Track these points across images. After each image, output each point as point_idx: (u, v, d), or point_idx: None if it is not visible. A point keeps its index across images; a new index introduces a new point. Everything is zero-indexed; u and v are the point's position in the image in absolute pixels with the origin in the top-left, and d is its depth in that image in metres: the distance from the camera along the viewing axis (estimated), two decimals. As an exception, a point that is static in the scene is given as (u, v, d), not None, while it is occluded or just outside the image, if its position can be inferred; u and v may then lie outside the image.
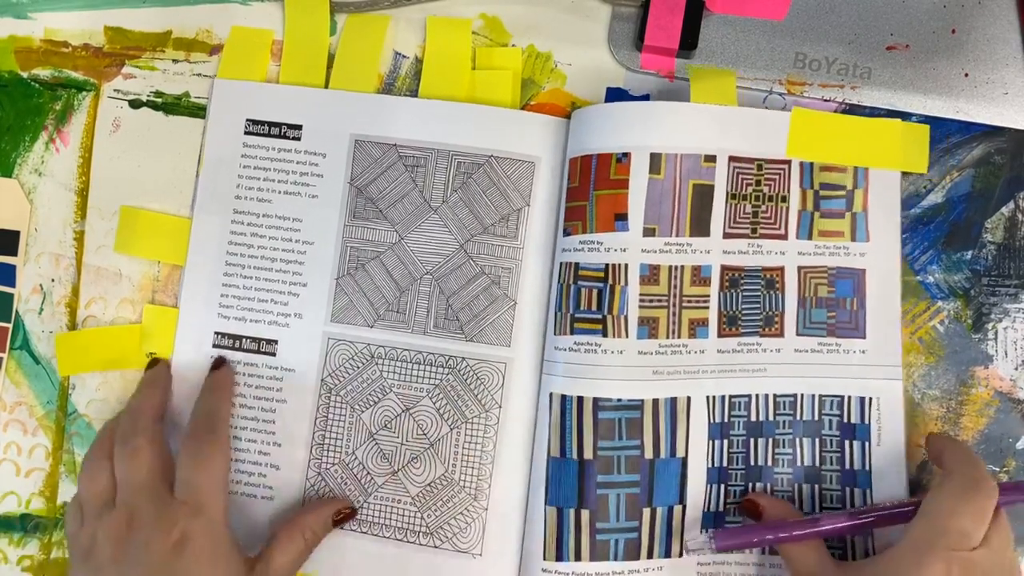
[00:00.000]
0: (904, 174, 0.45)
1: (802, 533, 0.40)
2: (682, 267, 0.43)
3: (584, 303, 0.43)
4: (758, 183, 0.44)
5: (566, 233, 0.45)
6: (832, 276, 0.44)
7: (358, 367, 0.45)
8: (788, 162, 0.45)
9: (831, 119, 0.45)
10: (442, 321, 0.45)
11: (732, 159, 0.44)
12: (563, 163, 0.46)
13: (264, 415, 0.45)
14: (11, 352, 0.47)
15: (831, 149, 0.45)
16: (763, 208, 0.44)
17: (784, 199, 0.45)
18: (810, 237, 0.45)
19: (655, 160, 0.43)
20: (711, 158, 0.44)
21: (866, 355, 0.44)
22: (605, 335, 0.43)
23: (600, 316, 0.43)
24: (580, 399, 0.43)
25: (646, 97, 0.46)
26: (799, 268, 0.44)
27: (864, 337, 0.44)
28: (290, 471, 0.45)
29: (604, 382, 0.43)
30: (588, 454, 0.42)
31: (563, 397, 0.43)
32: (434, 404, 0.45)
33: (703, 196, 0.44)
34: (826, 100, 0.46)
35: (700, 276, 0.44)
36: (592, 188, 0.44)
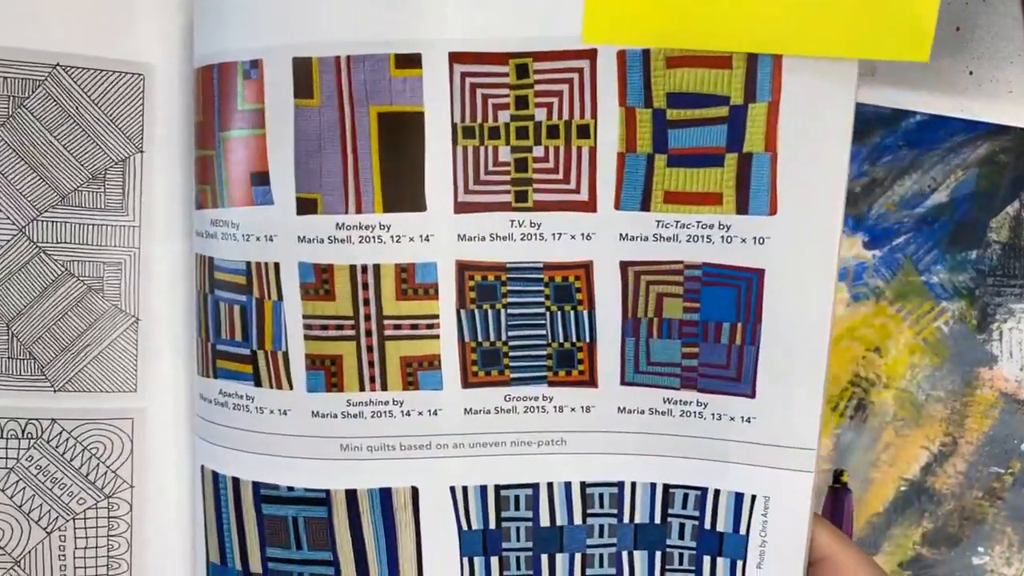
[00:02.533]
0: (865, 71, 0.24)
1: None
2: (377, 267, 0.26)
3: (225, 328, 0.27)
4: (522, 102, 0.25)
5: (197, 205, 0.27)
6: (693, 280, 0.26)
7: None
8: (591, 53, 0.25)
9: None
10: (3, 363, 0.27)
11: (456, 58, 0.25)
12: (192, 77, 0.27)
13: None
14: None
15: (691, 20, 0.24)
16: (539, 152, 0.26)
17: (584, 132, 0.25)
18: (647, 207, 0.26)
19: (302, 70, 0.25)
20: (409, 59, 0.25)
21: (754, 425, 0.26)
22: (258, 383, 0.27)
23: (248, 351, 0.27)
24: (236, 481, 0.27)
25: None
26: (623, 264, 0.26)
27: (752, 395, 0.26)
28: None
29: (265, 459, 0.27)
30: (255, 565, 0.28)
31: (215, 475, 0.27)
32: (10, 499, 0.28)
33: (403, 134, 0.26)
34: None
35: (415, 282, 0.26)
36: (217, 127, 0.26)
